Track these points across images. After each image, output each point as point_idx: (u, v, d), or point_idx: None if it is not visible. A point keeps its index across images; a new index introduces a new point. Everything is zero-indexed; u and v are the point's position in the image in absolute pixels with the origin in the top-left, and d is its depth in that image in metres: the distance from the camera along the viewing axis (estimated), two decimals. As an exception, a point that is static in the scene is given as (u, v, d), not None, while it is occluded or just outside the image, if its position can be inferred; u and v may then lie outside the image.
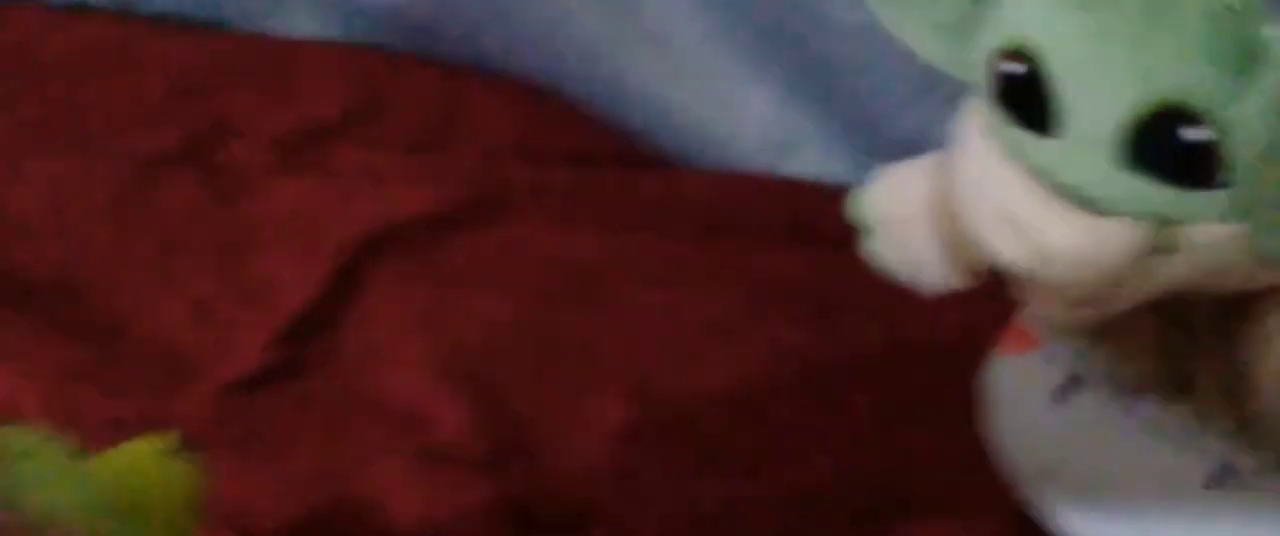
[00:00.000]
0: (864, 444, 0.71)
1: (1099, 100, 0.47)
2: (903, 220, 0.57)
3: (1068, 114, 0.47)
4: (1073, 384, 0.61)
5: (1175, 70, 0.46)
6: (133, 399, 0.75)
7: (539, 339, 0.79)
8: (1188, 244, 0.49)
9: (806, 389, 0.77)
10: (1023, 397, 0.62)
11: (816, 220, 0.84)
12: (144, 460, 0.56)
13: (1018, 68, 0.47)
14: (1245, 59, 0.46)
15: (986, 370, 0.65)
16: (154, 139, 0.93)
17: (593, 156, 0.94)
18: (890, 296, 0.62)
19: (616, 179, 0.92)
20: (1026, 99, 0.48)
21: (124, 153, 0.93)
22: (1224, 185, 0.46)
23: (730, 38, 0.91)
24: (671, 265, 0.84)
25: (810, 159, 0.91)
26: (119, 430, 0.66)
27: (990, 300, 0.62)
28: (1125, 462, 0.59)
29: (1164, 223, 0.48)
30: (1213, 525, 0.59)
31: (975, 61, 0.51)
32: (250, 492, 0.69)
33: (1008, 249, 0.51)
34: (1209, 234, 0.49)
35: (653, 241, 0.86)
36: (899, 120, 0.86)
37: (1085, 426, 0.60)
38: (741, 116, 0.93)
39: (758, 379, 0.78)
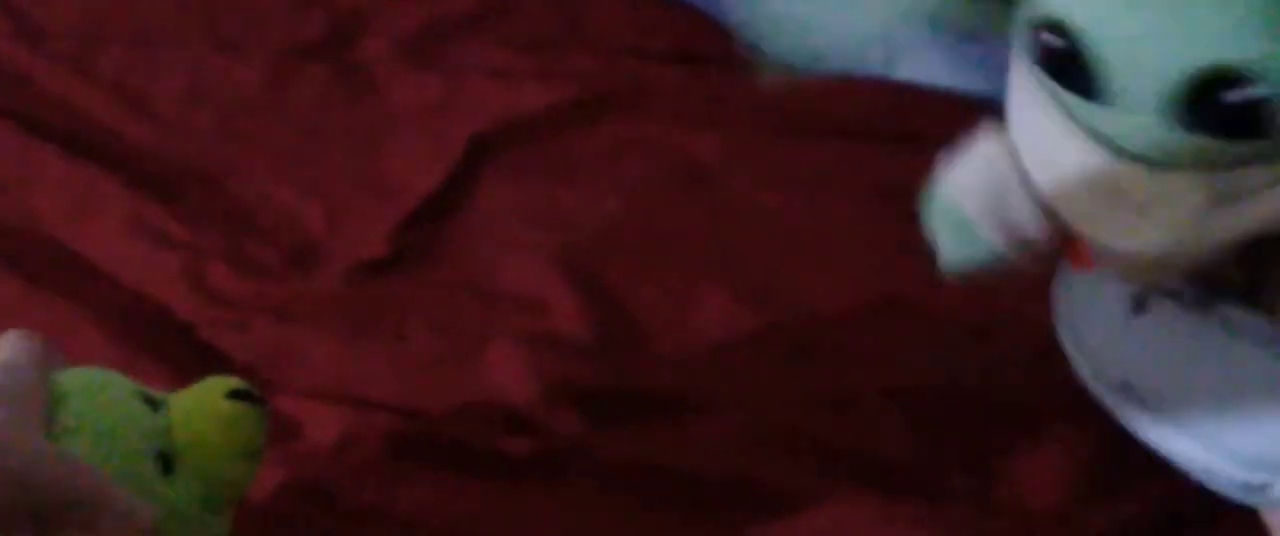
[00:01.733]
0: (960, 352, 0.70)
1: (1144, 71, 0.45)
2: (999, 197, 0.55)
3: (1114, 84, 0.45)
4: (1147, 292, 0.59)
5: (1219, 36, 0.43)
6: (261, 279, 0.76)
7: (649, 232, 0.78)
8: (1250, 190, 0.47)
9: (906, 298, 0.75)
10: (1099, 310, 0.59)
11: (927, 127, 0.79)
12: (211, 402, 0.55)
13: (1057, 41, 0.46)
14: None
15: (1060, 285, 0.62)
16: (289, 34, 0.94)
17: (705, 57, 0.92)
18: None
19: (727, 80, 0.89)
20: (1072, 69, 0.47)
21: (259, 47, 0.94)
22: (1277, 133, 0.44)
23: None
24: (782, 166, 0.83)
25: (917, 66, 0.90)
26: (244, 308, 0.75)
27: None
28: (1206, 365, 0.56)
29: (1226, 169, 0.47)
30: None
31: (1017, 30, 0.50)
32: (369, 372, 0.70)
33: (1088, 220, 0.51)
34: (1267, 178, 0.47)
35: (764, 142, 0.85)
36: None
37: (1164, 333, 0.57)
38: (859, 18, 0.85)
39: (860, 283, 0.76)
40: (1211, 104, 0.43)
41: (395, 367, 0.71)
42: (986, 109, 0.57)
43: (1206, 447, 0.56)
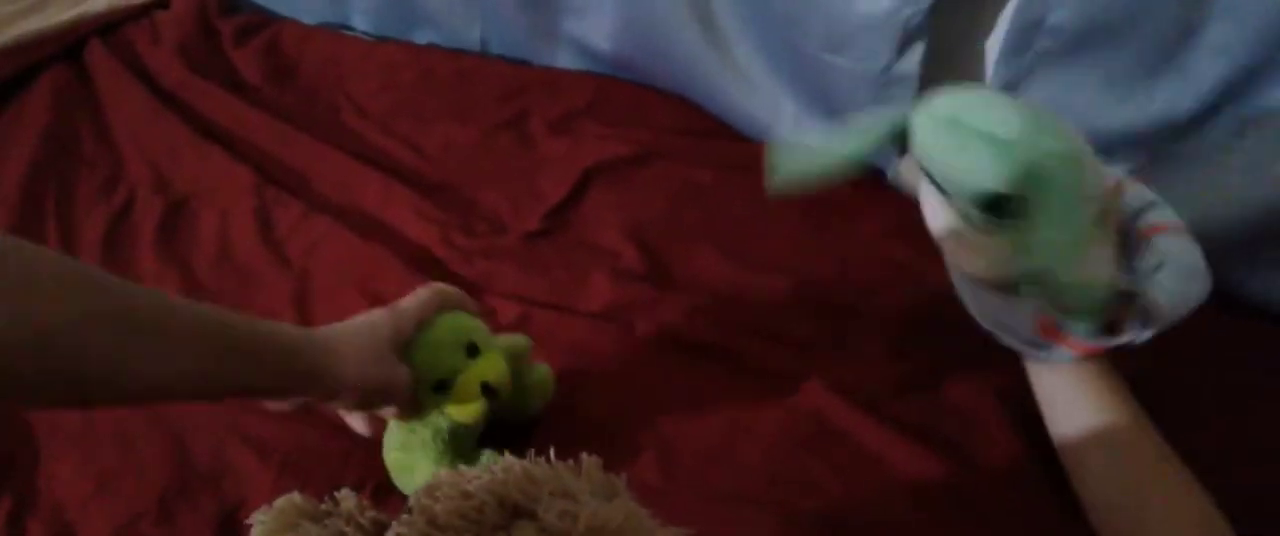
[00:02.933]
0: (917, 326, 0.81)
1: (960, 192, 0.57)
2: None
3: (950, 195, 0.58)
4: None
5: (994, 178, 0.55)
6: (477, 239, 0.97)
7: (678, 221, 0.98)
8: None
9: (830, 254, 0.90)
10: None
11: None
12: (521, 348, 0.72)
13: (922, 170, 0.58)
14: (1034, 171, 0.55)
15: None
16: (492, 116, 1.15)
17: (706, 132, 1.12)
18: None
19: (717, 143, 1.09)
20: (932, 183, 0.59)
21: (476, 121, 1.15)
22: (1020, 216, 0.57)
23: (777, 73, 1.03)
24: (744, 187, 1.00)
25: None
26: (469, 254, 0.94)
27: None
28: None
29: (1005, 231, 0.58)
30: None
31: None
32: (533, 285, 0.91)
33: (951, 253, 0.64)
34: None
35: (735, 174, 1.03)
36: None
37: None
38: (780, 114, 1.06)
39: (812, 251, 0.91)
40: (993, 207, 0.56)
41: (546, 283, 0.91)
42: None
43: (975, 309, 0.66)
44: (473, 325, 0.67)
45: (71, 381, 0.45)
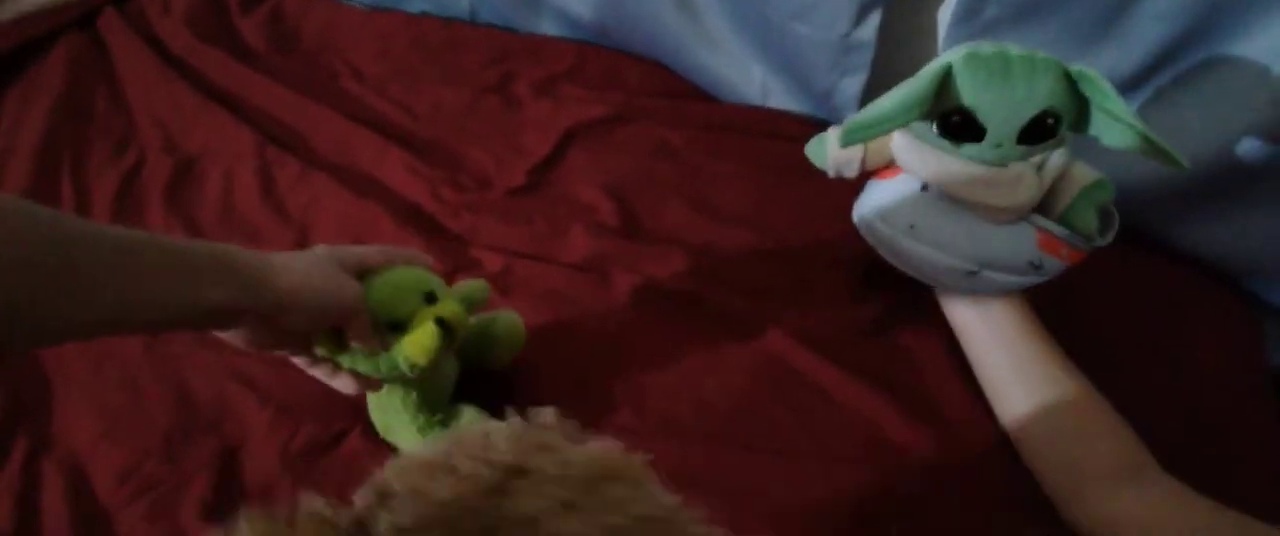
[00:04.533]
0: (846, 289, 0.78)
1: (1004, 124, 0.59)
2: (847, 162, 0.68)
3: (990, 133, 0.60)
4: (923, 189, 0.66)
5: (1042, 98, 0.58)
6: (464, 193, 0.93)
7: (650, 177, 0.94)
8: (1048, 167, 0.62)
9: (785, 203, 0.87)
10: (894, 191, 0.68)
11: (781, 127, 0.99)
12: (478, 294, 0.67)
13: (958, 118, 0.60)
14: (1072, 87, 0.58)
15: (868, 190, 0.71)
16: (479, 79, 1.11)
17: (678, 93, 1.08)
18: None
19: (689, 105, 1.05)
20: (966, 130, 0.60)
21: (465, 85, 1.10)
22: (1060, 136, 0.60)
23: (745, 39, 1.00)
24: (714, 147, 0.98)
25: (778, 100, 1.03)
26: (456, 207, 0.90)
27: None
28: (961, 218, 0.65)
29: (1037, 154, 0.61)
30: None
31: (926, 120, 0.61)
32: (515, 235, 0.88)
33: (979, 194, 0.62)
34: (1053, 155, 0.62)
35: (705, 134, 1.00)
36: (820, 83, 0.95)
37: (937, 201, 0.66)
38: (748, 77, 1.03)
39: (775, 206, 0.88)
40: (1035, 129, 0.59)
41: (528, 235, 0.88)
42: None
43: (949, 255, 0.66)
44: (431, 278, 0.62)
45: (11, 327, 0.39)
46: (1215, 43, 0.69)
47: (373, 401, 0.66)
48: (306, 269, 0.53)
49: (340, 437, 0.70)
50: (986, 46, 0.59)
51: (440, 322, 0.58)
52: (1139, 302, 0.78)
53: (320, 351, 0.59)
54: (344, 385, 0.61)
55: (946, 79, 0.59)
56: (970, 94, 0.58)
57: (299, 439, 0.70)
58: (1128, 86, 0.76)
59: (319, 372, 0.60)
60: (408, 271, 0.60)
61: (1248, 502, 0.54)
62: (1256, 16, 0.66)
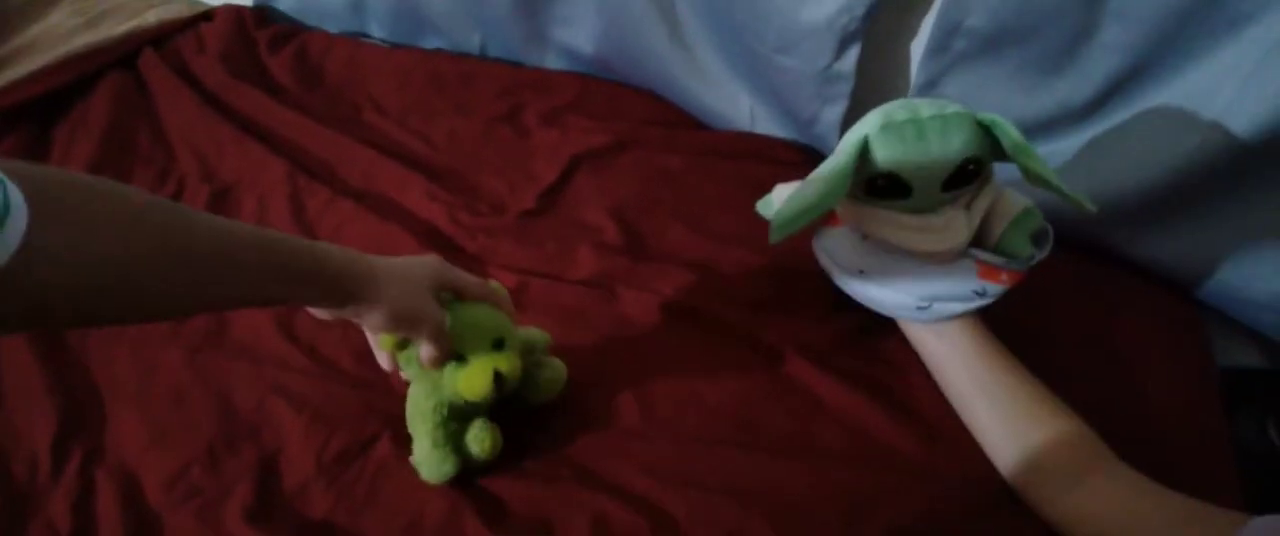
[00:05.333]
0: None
1: (929, 180, 0.60)
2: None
3: (915, 189, 0.60)
4: (864, 238, 0.68)
5: (961, 149, 0.58)
6: (480, 217, 0.93)
7: (651, 200, 0.94)
8: (976, 206, 0.62)
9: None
10: (844, 241, 0.70)
11: (769, 152, 0.99)
12: (538, 341, 0.70)
13: (884, 181, 0.61)
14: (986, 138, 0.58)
15: (815, 238, 0.74)
16: (490, 110, 1.10)
17: (674, 122, 1.08)
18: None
19: (684, 133, 1.05)
20: (892, 189, 0.60)
21: (477, 115, 1.09)
22: (984, 175, 0.61)
23: (735, 71, 1.00)
24: (709, 171, 0.98)
25: (766, 127, 1.04)
26: (472, 230, 0.89)
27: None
28: (903, 260, 0.66)
29: (962, 197, 0.61)
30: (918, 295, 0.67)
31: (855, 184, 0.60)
32: (526, 257, 0.87)
33: (911, 242, 0.62)
34: (980, 197, 0.62)
35: (701, 160, 1.00)
36: (804, 112, 0.96)
37: (879, 248, 0.67)
38: (738, 106, 1.04)
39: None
40: (958, 176, 0.59)
41: (539, 255, 0.87)
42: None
43: (899, 293, 0.67)
44: (506, 324, 0.63)
45: (134, 308, 0.42)
46: (1163, 71, 0.71)
47: (410, 391, 0.67)
48: (402, 286, 0.56)
49: (369, 444, 0.70)
50: (899, 112, 0.58)
51: (497, 375, 0.59)
52: (1090, 310, 0.78)
53: (383, 341, 0.61)
54: (384, 361, 0.63)
55: (866, 149, 0.59)
56: (890, 161, 0.58)
57: (332, 446, 0.70)
58: (1084, 112, 0.77)
59: (372, 340, 0.62)
60: (489, 314, 0.61)
61: (1197, 495, 0.55)
62: (1202, 47, 0.67)
